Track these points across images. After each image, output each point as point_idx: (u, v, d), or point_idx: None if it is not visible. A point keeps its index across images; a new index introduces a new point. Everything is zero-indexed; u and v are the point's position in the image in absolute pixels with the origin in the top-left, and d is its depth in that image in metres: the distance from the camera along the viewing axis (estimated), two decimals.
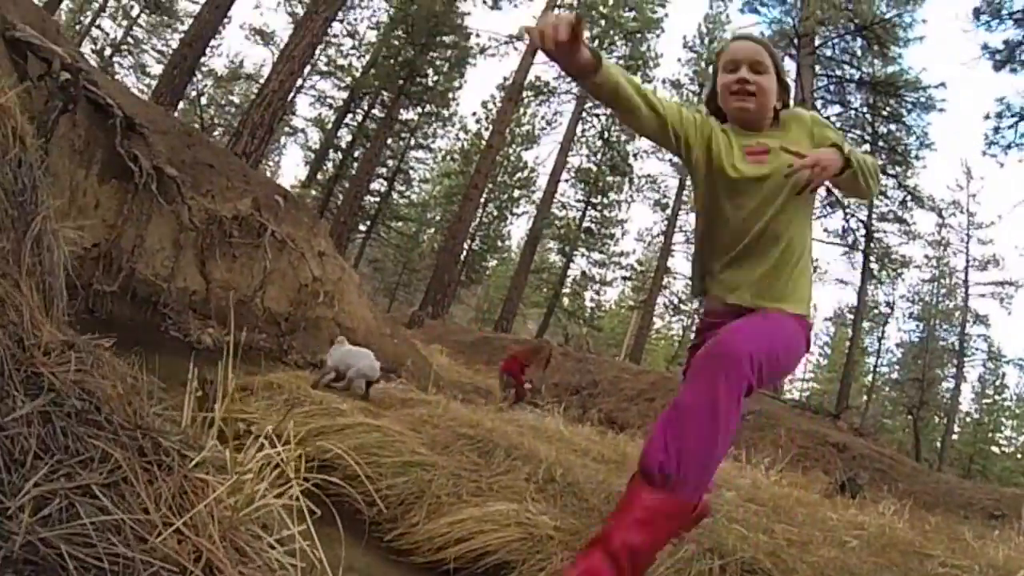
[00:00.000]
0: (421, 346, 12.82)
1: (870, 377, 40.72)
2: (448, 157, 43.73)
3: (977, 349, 38.83)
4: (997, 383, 41.98)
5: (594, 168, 38.22)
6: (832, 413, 20.35)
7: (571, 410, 10.80)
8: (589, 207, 38.93)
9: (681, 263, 39.80)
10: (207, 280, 8.05)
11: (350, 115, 38.24)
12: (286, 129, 42.42)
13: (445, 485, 4.81)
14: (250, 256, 8.49)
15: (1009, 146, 26.20)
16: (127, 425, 2.38)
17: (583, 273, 40.16)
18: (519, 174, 41.40)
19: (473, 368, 15.18)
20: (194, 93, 35.13)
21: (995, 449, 41.22)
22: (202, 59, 26.25)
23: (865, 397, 38.90)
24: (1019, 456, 40.21)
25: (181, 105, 26.69)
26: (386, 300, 42.84)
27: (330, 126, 38.79)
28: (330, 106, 39.55)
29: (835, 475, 9.86)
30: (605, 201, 39.15)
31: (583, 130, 38.03)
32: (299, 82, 33.50)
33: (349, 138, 38.74)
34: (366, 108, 38.18)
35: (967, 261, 36.94)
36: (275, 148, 48.99)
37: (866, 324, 38.01)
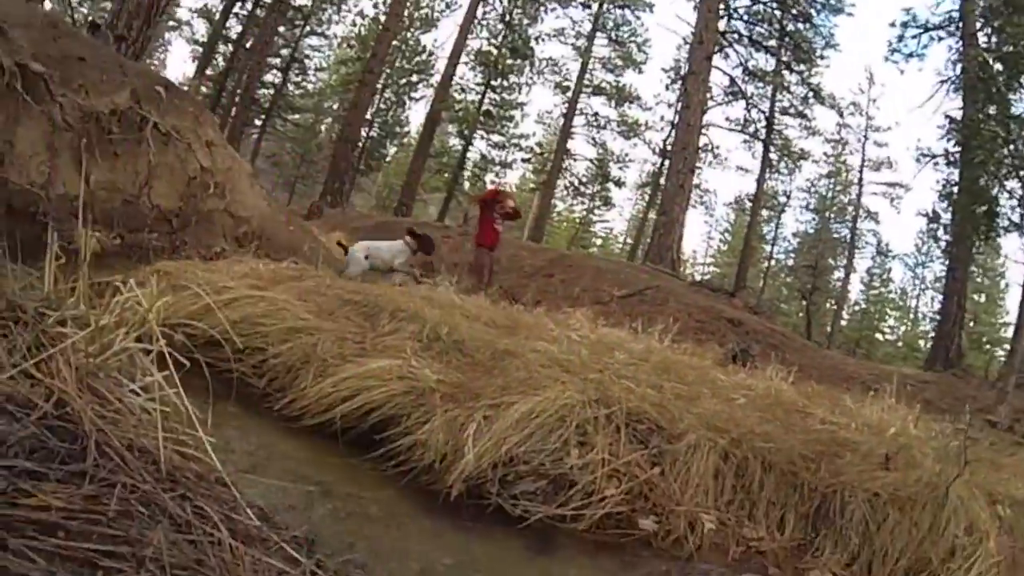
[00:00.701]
0: (320, 233, 12.42)
1: (766, 263, 42.05)
2: (344, 44, 41.99)
3: (867, 243, 40.78)
4: (883, 276, 44.01)
5: (494, 51, 37.34)
6: (729, 292, 20.89)
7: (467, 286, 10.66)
8: (489, 90, 38.18)
9: (581, 145, 39.71)
10: (88, 183, 7.37)
11: (239, 3, 36.08)
12: (170, 23, 39.93)
13: (330, 348, 4.71)
14: (133, 152, 7.85)
15: (911, 55, 26.90)
16: None
17: (483, 156, 39.66)
18: (417, 58, 40.24)
19: None
20: None
21: (879, 336, 43.46)
22: None
23: (761, 281, 40.20)
24: (899, 344, 42.41)
25: (48, 4, 24.59)
26: (286, 194, 41.66)
27: (218, 16, 36.52)
28: None
29: (728, 346, 10.07)
30: (505, 84, 38.44)
31: (484, 12, 37.09)
32: None
33: (239, 28, 36.61)
34: None
35: (863, 160, 38.55)
36: (159, 45, 46.08)
37: (764, 212, 39.11)
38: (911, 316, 44.78)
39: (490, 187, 13.74)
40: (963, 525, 3.91)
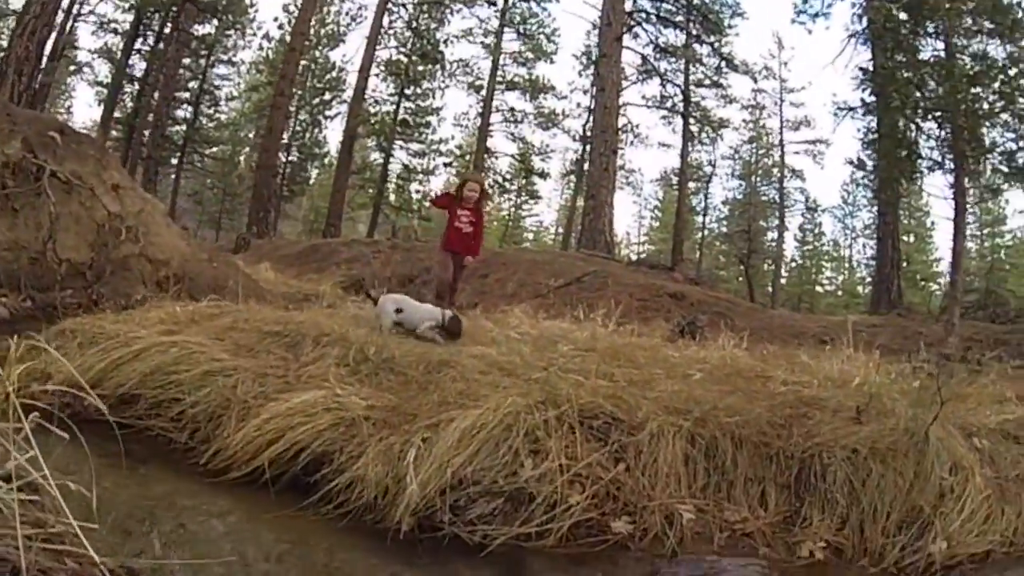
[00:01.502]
0: (246, 266, 12.01)
1: (701, 234, 42.48)
2: (253, 69, 41.26)
3: (796, 201, 41.30)
4: (816, 231, 44.83)
5: (404, 59, 36.88)
6: (668, 267, 20.88)
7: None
8: (403, 99, 37.44)
9: (501, 142, 39.60)
10: None
11: (140, 39, 34.84)
12: (70, 67, 38.59)
13: (251, 388, 4.36)
14: (33, 205, 7.42)
15: (816, 15, 27.19)
16: None
17: (404, 166, 39.09)
18: (328, 75, 39.55)
19: (303, 278, 14.48)
20: None
21: (819, 289, 44.38)
22: None
23: (698, 253, 40.65)
24: (839, 293, 43.46)
25: None
26: (212, 231, 40.75)
27: (119, 55, 35.37)
28: (116, 31, 35.60)
29: (675, 321, 9.92)
30: (418, 91, 37.74)
31: (390, 22, 36.46)
32: (74, 7, 30.42)
33: (143, 65, 35.33)
34: (157, 29, 34.82)
35: (781, 123, 38.96)
36: (62, 92, 44.64)
37: (692, 184, 39.42)
38: (847, 265, 45.80)
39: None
40: (947, 466, 3.80)
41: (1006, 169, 15.38)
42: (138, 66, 35.04)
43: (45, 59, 16.74)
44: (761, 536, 3.58)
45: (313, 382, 4.34)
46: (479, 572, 3.21)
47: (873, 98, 22.06)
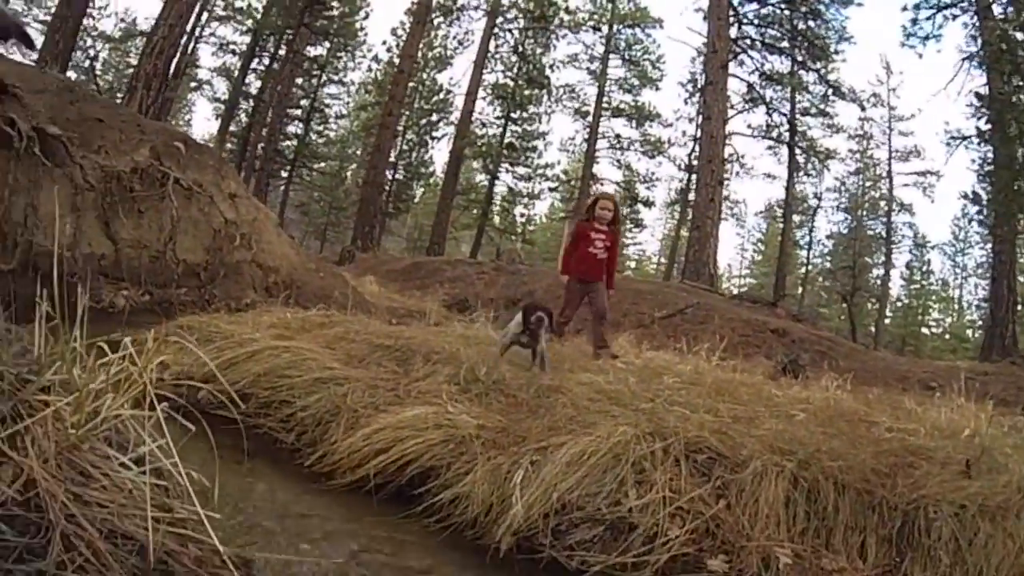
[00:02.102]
0: (352, 278, 12.32)
1: (804, 269, 41.52)
2: (362, 90, 42.72)
3: (904, 236, 40.11)
4: (924, 269, 43.29)
5: (511, 83, 37.53)
6: (770, 302, 20.47)
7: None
8: (509, 123, 38.28)
9: (607, 169, 39.56)
10: (114, 241, 7.49)
11: (256, 59, 36.87)
12: (191, 84, 40.71)
13: (361, 398, 4.51)
14: (156, 209, 7.94)
15: (927, 37, 26.43)
16: None
17: (510, 189, 39.84)
18: (435, 97, 40.47)
19: (406, 294, 14.74)
20: (87, 61, 33.21)
21: (925, 330, 42.69)
22: (87, 20, 24.54)
23: (800, 288, 39.72)
24: (947, 336, 41.66)
25: (72, 74, 25.04)
26: (317, 242, 42.04)
27: (236, 73, 37.22)
28: (234, 52, 37.97)
29: (777, 358, 9.79)
30: (525, 115, 38.54)
31: (496, 46, 37.41)
32: (197, 30, 32.06)
33: (258, 84, 37.31)
34: (272, 50, 36.83)
35: (890, 153, 38.07)
36: (183, 107, 47.01)
37: (796, 217, 38.62)
38: (956, 306, 44.00)
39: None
40: None
41: None
42: (253, 84, 37.53)
43: (170, 76, 17.73)
44: None
45: (423, 398, 4.46)
46: None
47: (989, 126, 21.23)
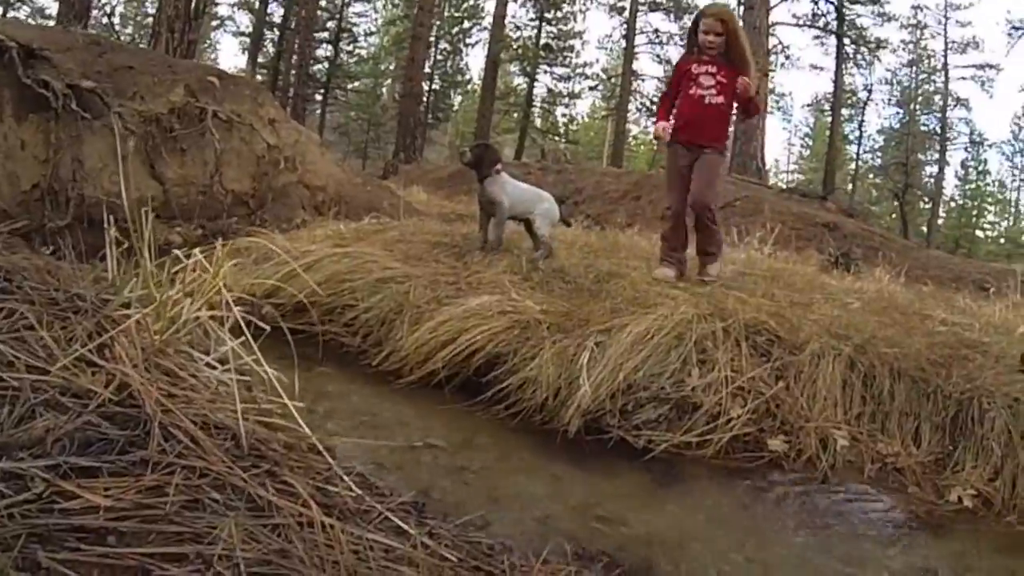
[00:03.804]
0: (398, 189, 12.36)
1: (853, 165, 40.41)
2: (389, 4, 42.19)
3: (959, 133, 38.45)
4: (980, 168, 41.78)
5: None
6: (820, 196, 20.16)
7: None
8: (544, 23, 37.29)
9: (647, 65, 38.52)
10: (161, 181, 7.55)
11: None
12: (213, 22, 40.24)
13: (424, 294, 4.53)
14: (198, 145, 7.95)
15: None
16: (41, 287, 2.22)
17: (549, 90, 39.02)
18: (465, 4, 39.87)
19: (455, 200, 14.77)
20: (104, 18, 32.68)
21: (979, 233, 41.62)
22: None
23: (850, 184, 38.77)
24: (1002, 240, 40.61)
25: (92, 31, 24.68)
26: (359, 161, 41.88)
27: (257, 4, 36.73)
28: None
29: (828, 252, 9.73)
30: (559, 15, 37.50)
31: None
32: None
33: (281, 12, 36.72)
34: None
35: (946, 44, 35.82)
36: (207, 46, 46.42)
37: (845, 111, 37.29)
38: (1012, 209, 42.75)
39: None
40: None
41: None
42: (276, 13, 36.74)
43: (192, 16, 17.41)
44: (911, 474, 3.55)
45: (485, 288, 4.50)
46: (640, 475, 3.35)
47: None
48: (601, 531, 2.78)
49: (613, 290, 4.51)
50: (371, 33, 43.35)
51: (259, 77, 33.94)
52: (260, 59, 36.68)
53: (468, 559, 1.85)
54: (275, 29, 36.90)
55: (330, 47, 39.53)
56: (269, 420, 2.14)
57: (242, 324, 2.37)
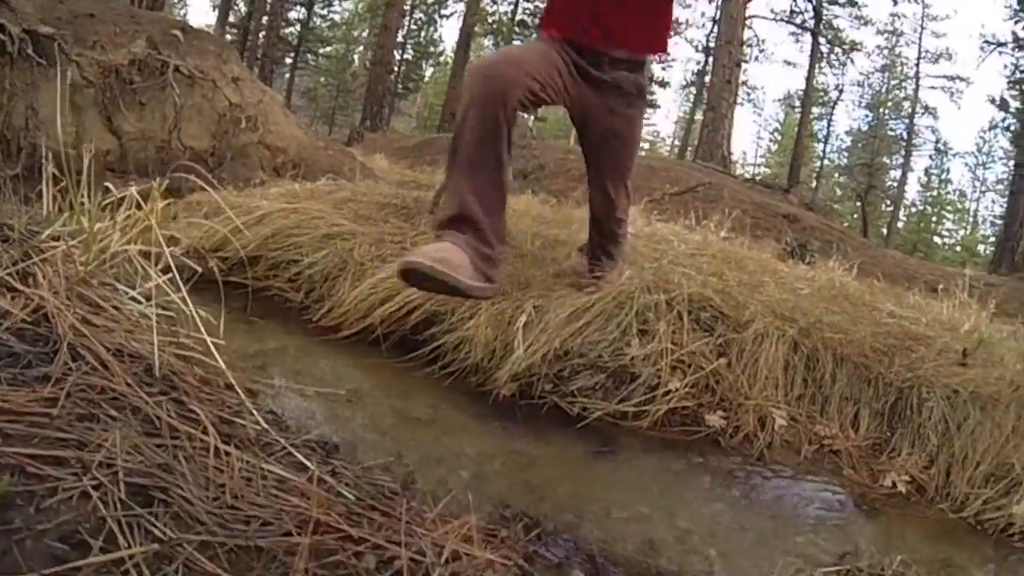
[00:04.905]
0: (361, 156, 12.19)
1: (819, 163, 40.98)
2: None
3: (925, 140, 39.36)
4: (942, 176, 42.71)
5: None
6: (783, 188, 20.29)
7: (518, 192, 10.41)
8: None
9: None
10: (118, 135, 7.47)
11: None
12: None
13: (368, 251, 4.51)
14: (158, 99, 7.87)
15: None
16: None
17: None
18: None
19: (417, 170, 14.63)
20: None
21: (937, 239, 42.53)
22: None
23: (814, 182, 39.32)
24: (958, 248, 41.50)
25: None
26: (325, 127, 41.44)
27: None
28: None
29: (786, 241, 9.76)
30: None
31: None
32: None
33: None
34: None
35: (919, 52, 36.70)
36: (179, 3, 45.52)
37: (815, 109, 37.79)
38: (970, 219, 43.61)
39: None
40: None
41: None
42: None
43: None
44: (848, 457, 3.56)
45: None
46: (573, 442, 3.31)
47: None
48: (527, 494, 2.73)
49: (559, 257, 4.47)
50: None
51: (228, 36, 33.46)
52: (231, 18, 35.97)
53: (366, 499, 1.80)
54: None
55: (303, 10, 38.97)
56: (187, 354, 2.11)
57: (171, 261, 2.30)
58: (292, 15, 38.72)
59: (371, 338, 3.98)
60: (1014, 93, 22.47)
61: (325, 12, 41.49)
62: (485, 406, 3.46)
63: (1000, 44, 22.58)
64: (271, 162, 8.77)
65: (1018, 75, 21.52)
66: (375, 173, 10.09)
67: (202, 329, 2.17)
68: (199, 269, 2.51)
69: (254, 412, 1.93)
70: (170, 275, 2.29)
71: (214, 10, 38.03)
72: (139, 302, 2.21)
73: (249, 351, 3.58)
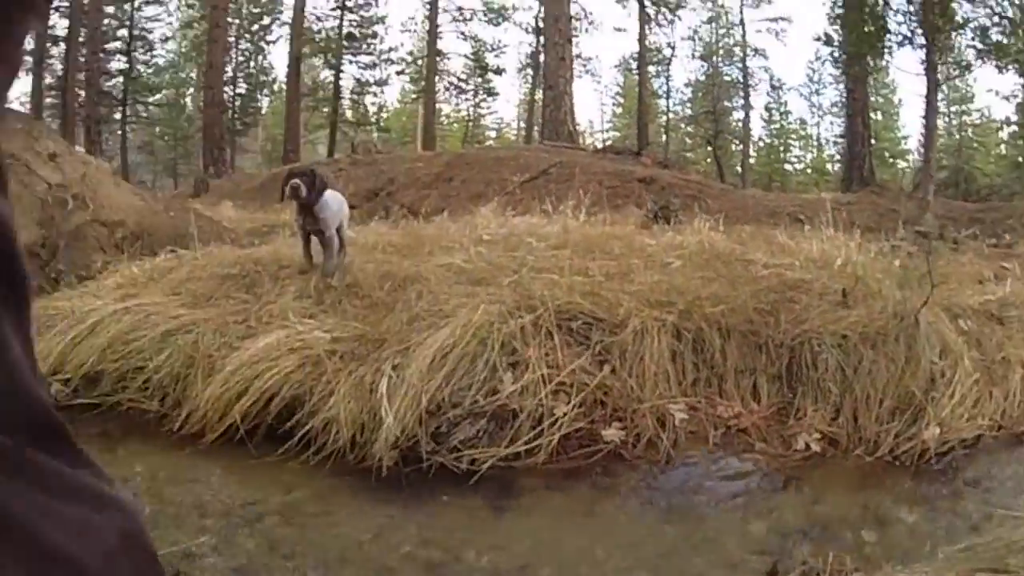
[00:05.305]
0: (207, 208, 11.66)
1: (665, 118, 41.92)
2: (183, 5, 39.26)
3: (760, 80, 40.84)
4: (782, 110, 44.32)
5: None
6: (634, 152, 20.44)
7: (369, 215, 10.02)
8: (345, 11, 36.26)
9: (452, 43, 38.46)
10: None
11: None
12: None
13: (213, 340, 4.07)
14: None
15: None
16: None
17: (356, 80, 38.13)
18: None
19: (268, 210, 13.99)
20: None
21: (788, 167, 44.26)
22: None
23: (664, 137, 40.16)
24: (809, 171, 43.35)
25: None
26: (170, 180, 39.68)
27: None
28: None
29: (647, 207, 9.68)
30: (360, 2, 36.56)
31: None
32: None
33: (65, 23, 33.50)
34: None
35: (741, 0, 37.89)
36: None
37: (652, 68, 38.64)
38: (815, 143, 45.52)
39: None
40: (937, 350, 3.71)
41: (979, 46, 15.07)
42: (59, 24, 33.16)
43: None
44: (756, 431, 3.46)
45: (274, 323, 4.07)
46: (470, 500, 3.05)
47: None
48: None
49: (410, 299, 4.14)
50: (168, 38, 40.58)
51: (49, 99, 31.52)
52: (48, 79, 33.66)
53: None
54: (60, 43, 33.86)
55: (124, 58, 37.02)
56: None
57: None
58: (113, 66, 36.55)
59: (238, 436, 3.56)
60: (835, 28, 23.37)
61: (147, 57, 39.31)
62: (369, 484, 3.14)
63: None
64: (110, 239, 7.98)
65: (837, 11, 22.34)
66: (223, 226, 9.53)
67: None
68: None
69: None
70: None
71: (28, 73, 35.62)
72: None
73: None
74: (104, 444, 3.60)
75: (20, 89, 43.57)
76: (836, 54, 24.26)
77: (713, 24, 40.75)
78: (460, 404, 3.29)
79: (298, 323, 3.91)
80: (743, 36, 39.14)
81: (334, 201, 4.93)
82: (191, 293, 4.75)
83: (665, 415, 3.39)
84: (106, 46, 35.10)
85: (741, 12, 38.70)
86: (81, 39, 32.48)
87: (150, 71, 39.29)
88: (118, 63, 36.60)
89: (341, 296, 4.31)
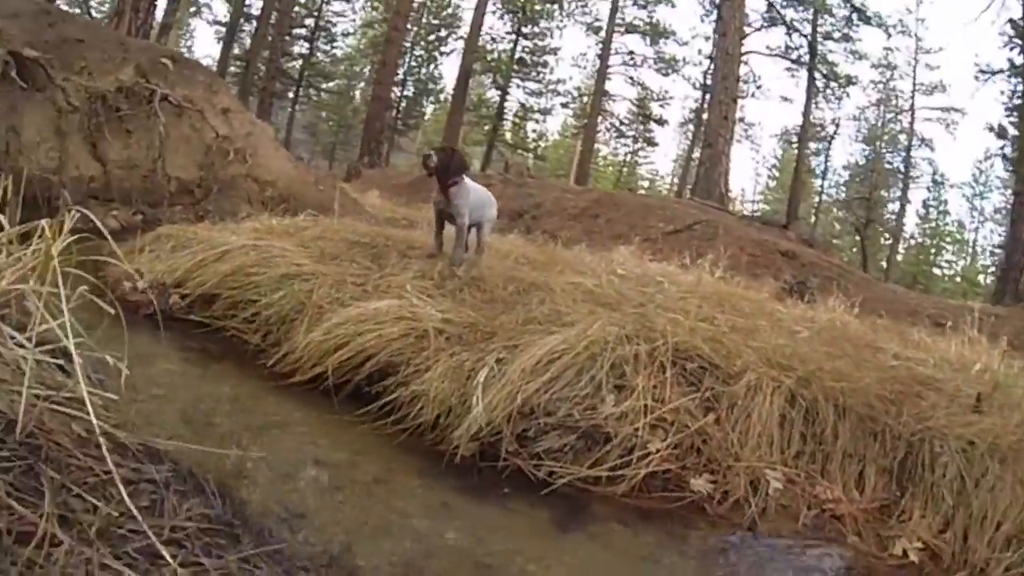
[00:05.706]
0: (355, 192, 12.07)
1: (817, 198, 40.89)
2: (368, 5, 41.40)
3: (922, 172, 39.16)
4: (940, 208, 42.38)
5: None
6: (781, 224, 20.00)
7: (509, 231, 10.16)
8: (520, 37, 37.30)
9: (620, 86, 38.50)
10: (103, 162, 7.31)
11: None
12: (190, 8, 39.69)
13: (327, 294, 4.21)
14: (145, 127, 7.74)
15: None
16: None
17: (521, 105, 39.07)
18: (444, 11, 39.77)
19: (412, 207, 14.35)
20: None
21: (936, 271, 42.19)
22: None
23: (813, 217, 39.15)
24: (958, 279, 41.15)
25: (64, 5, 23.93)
26: (325, 162, 41.44)
27: None
28: None
29: (784, 279, 9.45)
30: (536, 30, 37.50)
31: None
32: None
33: (260, 3, 35.61)
34: None
35: (914, 85, 36.59)
36: (183, 32, 45.70)
37: (812, 144, 37.76)
38: (970, 250, 43.28)
39: None
40: None
41: None
42: (255, 4, 35.66)
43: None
44: (852, 522, 3.20)
45: (393, 292, 4.15)
46: (536, 511, 2.97)
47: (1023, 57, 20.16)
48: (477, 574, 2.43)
49: (531, 303, 4.14)
50: (348, 34, 43.06)
51: (233, 68, 33.43)
52: (236, 50, 35.94)
53: None
54: (252, 21, 36.04)
55: (306, 44, 39.12)
56: (67, 411, 1.80)
57: (64, 304, 1.96)
58: (295, 49, 38.87)
59: (324, 386, 3.65)
60: (1012, 120, 22.05)
61: (328, 47, 41.70)
62: (440, 468, 3.11)
63: (995, 72, 22.36)
64: (259, 195, 8.60)
65: (1015, 101, 21.14)
66: (366, 209, 9.90)
67: (80, 380, 1.81)
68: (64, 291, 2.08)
69: (121, 488, 1.58)
70: (63, 320, 1.93)
71: (219, 42, 38.08)
72: (23, 346, 1.88)
73: (200, 403, 3.31)
74: (200, 359, 3.78)
75: (209, 53, 46.46)
76: (1007, 151, 22.82)
77: (881, 107, 39.32)
78: (554, 413, 3.23)
79: (414, 296, 3.96)
80: (911, 123, 37.44)
81: (476, 193, 5.01)
82: (319, 249, 4.94)
83: (760, 479, 3.21)
84: (292, 30, 37.19)
85: (912, 98, 37.00)
86: (272, 21, 34.37)
87: (327, 60, 41.62)
88: (300, 48, 39.24)
89: (463, 286, 4.36)
